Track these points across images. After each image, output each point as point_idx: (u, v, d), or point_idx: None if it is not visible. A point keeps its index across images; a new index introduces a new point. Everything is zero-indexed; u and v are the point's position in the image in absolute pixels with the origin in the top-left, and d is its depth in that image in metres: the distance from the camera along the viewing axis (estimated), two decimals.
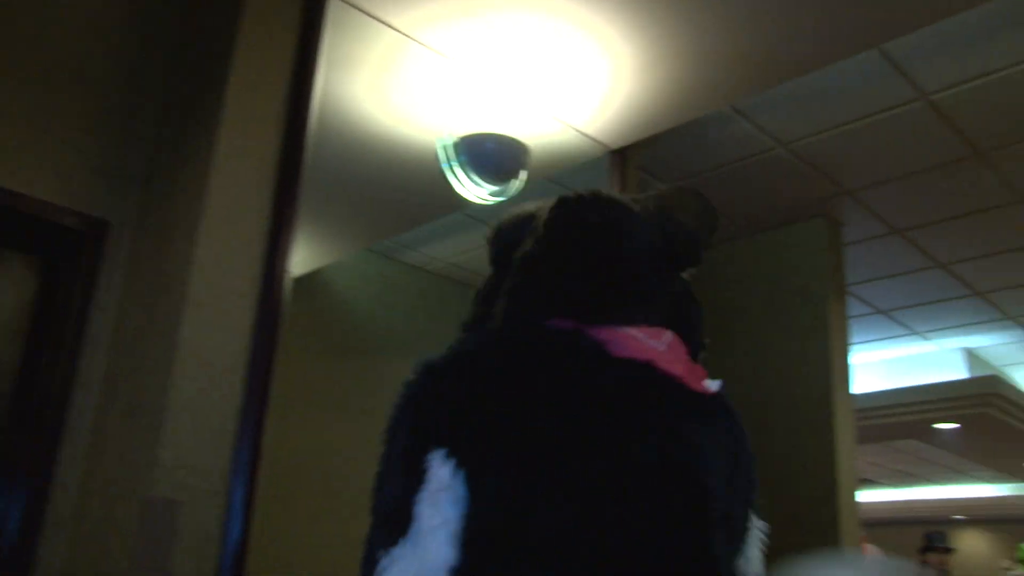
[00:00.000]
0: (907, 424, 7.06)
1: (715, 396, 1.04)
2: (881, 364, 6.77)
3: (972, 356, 6.73)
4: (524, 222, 1.15)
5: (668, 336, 1.03)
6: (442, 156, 2.59)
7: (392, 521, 0.94)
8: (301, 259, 3.36)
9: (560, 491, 0.88)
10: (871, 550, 4.76)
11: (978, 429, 6.94)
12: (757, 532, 1.08)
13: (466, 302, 4.26)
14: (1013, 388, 6.73)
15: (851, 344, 4.48)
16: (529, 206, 1.19)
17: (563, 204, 1.12)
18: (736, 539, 1.03)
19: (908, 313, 5.94)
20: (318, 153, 2.20)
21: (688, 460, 0.94)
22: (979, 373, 6.66)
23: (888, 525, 11.06)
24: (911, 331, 6.28)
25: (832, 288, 4.26)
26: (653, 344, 1.01)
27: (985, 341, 6.56)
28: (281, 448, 2.66)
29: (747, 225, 4.52)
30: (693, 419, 0.98)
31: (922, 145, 3.76)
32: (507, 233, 1.17)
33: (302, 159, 2.10)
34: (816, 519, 3.86)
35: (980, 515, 12.61)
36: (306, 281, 3.68)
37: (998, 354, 6.83)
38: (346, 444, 3.97)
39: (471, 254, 4.34)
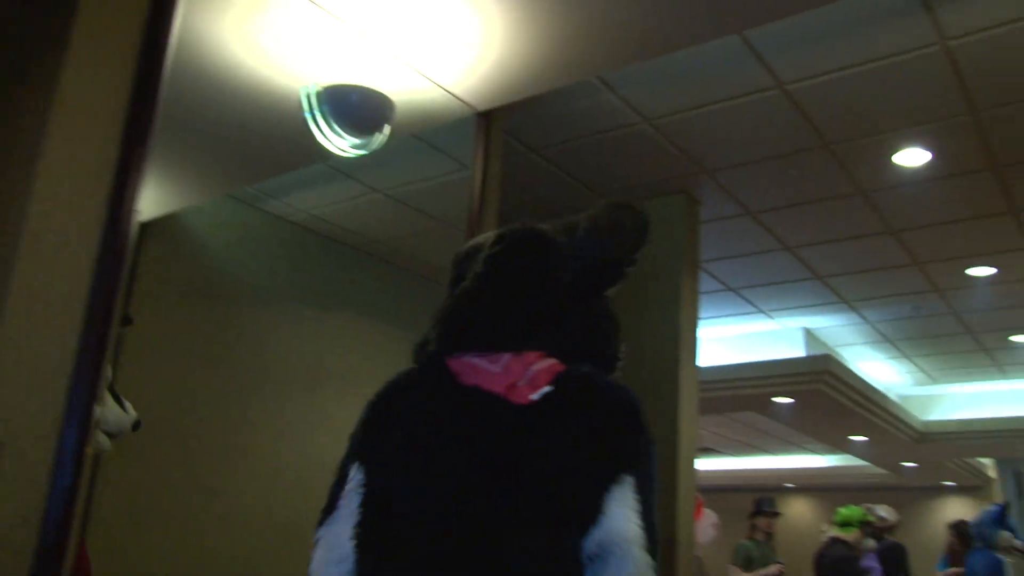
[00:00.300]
0: (747, 397, 7.45)
1: (537, 402, 1.27)
2: (727, 339, 7.11)
3: (810, 335, 7.15)
4: (473, 253, 1.44)
5: (505, 359, 1.31)
6: (305, 105, 2.54)
7: (327, 510, 1.38)
8: (155, 200, 3.24)
9: (409, 484, 1.30)
10: (707, 514, 5.00)
11: (811, 404, 7.39)
12: (622, 510, 1.22)
13: (328, 254, 4.24)
14: (844, 367, 7.19)
15: (700, 318, 4.68)
16: (482, 238, 1.48)
17: (498, 244, 1.41)
18: (567, 516, 1.22)
19: (755, 292, 6.25)
20: (176, 91, 2.12)
21: (483, 456, 1.26)
22: (815, 352, 7.09)
23: (726, 491, 11.68)
24: (757, 309, 6.62)
25: (687, 263, 4.43)
26: (488, 367, 1.31)
27: (822, 322, 6.99)
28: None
29: (609, 196, 4.63)
30: (502, 425, 1.27)
31: (776, 132, 3.94)
32: (461, 263, 1.47)
33: (157, 94, 2.02)
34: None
35: (807, 484, 13.48)
36: (162, 224, 3.55)
37: (833, 335, 7.29)
38: (204, 392, 3.89)
39: (334, 207, 4.27)
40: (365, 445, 1.38)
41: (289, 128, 2.66)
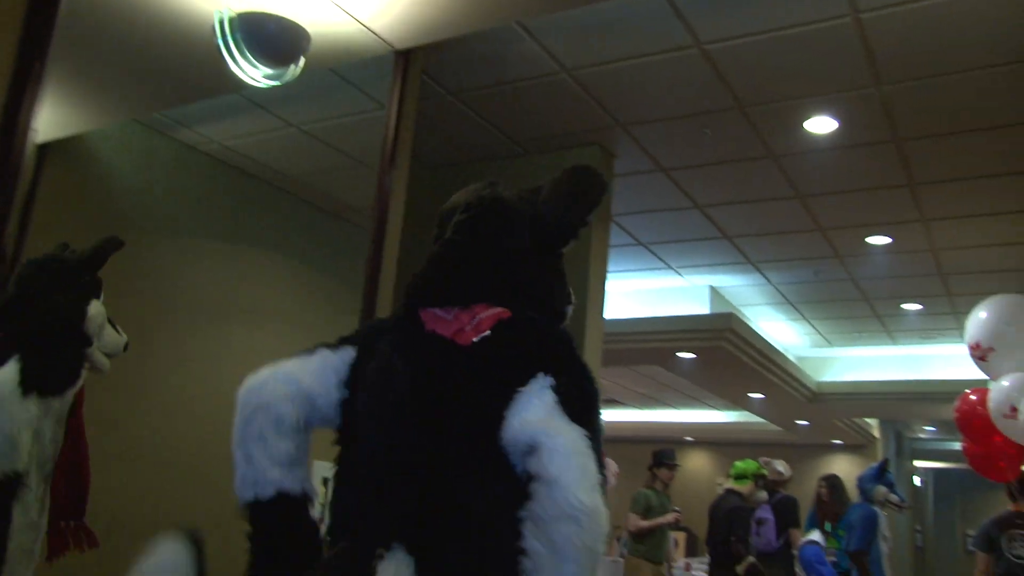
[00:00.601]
0: (652, 351, 7.64)
1: (476, 344, 1.43)
2: (634, 293, 7.26)
3: (715, 293, 7.36)
4: (448, 216, 1.59)
5: (455, 311, 1.49)
6: (218, 31, 2.47)
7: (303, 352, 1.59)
8: (56, 120, 3.12)
9: (366, 412, 1.46)
10: (607, 463, 5.15)
11: (713, 360, 7.64)
12: (538, 400, 1.35)
13: (239, 188, 4.15)
14: (746, 326, 7.44)
15: (609, 271, 4.77)
16: (457, 198, 1.61)
17: (465, 212, 1.56)
18: (492, 422, 1.35)
19: (665, 248, 6.39)
20: (81, 4, 2.04)
21: (429, 384, 1.43)
22: (720, 310, 7.30)
23: (628, 442, 12.00)
24: (666, 265, 6.77)
25: (599, 215, 4.48)
26: (443, 315, 1.49)
27: (728, 281, 7.19)
28: None
29: (526, 145, 4.65)
30: (446, 363, 1.44)
31: (693, 91, 4.00)
32: (441, 222, 1.60)
33: (57, 5, 1.94)
34: None
35: (707, 438, 13.96)
36: (64, 147, 3.41)
37: (737, 294, 7.52)
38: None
39: (247, 139, 4.19)
40: (357, 344, 1.56)
41: (201, 54, 2.58)
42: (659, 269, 6.89)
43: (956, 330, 7.73)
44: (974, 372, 4.01)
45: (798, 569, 6.87)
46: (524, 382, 1.35)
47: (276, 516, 1.43)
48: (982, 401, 4.00)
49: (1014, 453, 4.34)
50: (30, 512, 2.00)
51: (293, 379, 1.49)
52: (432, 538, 1.32)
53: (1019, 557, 4.92)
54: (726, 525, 6.11)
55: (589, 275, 4.38)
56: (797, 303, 7.78)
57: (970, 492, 18.14)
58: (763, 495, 6.30)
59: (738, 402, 10.12)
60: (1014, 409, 3.52)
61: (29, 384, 1.99)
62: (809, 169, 4.83)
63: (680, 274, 7.00)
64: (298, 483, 1.45)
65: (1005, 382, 3.66)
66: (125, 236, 3.92)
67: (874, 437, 12.84)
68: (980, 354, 3.78)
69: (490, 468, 1.33)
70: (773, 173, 4.87)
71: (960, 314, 6.58)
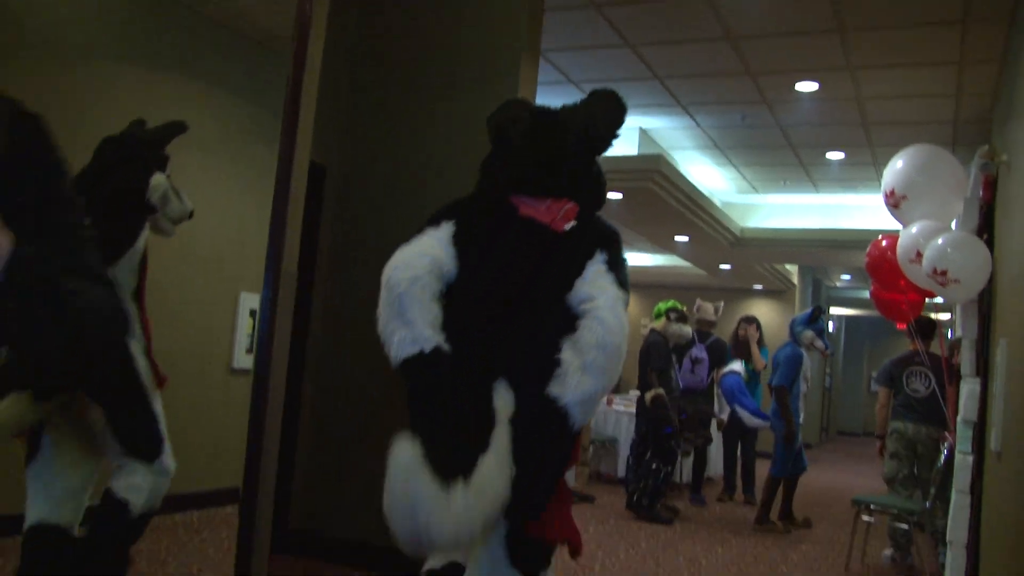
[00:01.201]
0: None
1: (567, 231, 2.00)
2: None
3: (644, 135, 7.38)
4: (508, 121, 2.15)
5: (548, 202, 2.04)
6: None
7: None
8: None
9: (475, 275, 1.95)
10: None
11: (640, 201, 7.72)
12: (596, 267, 1.97)
13: (155, 11, 3.99)
14: (673, 168, 7.51)
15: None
16: (518, 110, 2.20)
17: (543, 118, 2.15)
18: (569, 282, 1.96)
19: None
20: None
21: (530, 257, 1.97)
22: (648, 151, 7.35)
23: None
24: None
25: (527, 49, 4.39)
26: (536, 204, 2.04)
27: (657, 123, 7.21)
28: None
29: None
30: (543, 242, 1.98)
31: None
32: (499, 123, 2.18)
33: None
34: None
35: (633, 281, 14.27)
36: None
37: (667, 136, 7.56)
38: None
39: None
40: (454, 219, 2.02)
41: None
42: None
43: (876, 180, 7.94)
44: (890, 222, 4.15)
45: (717, 399, 7.34)
46: (591, 257, 1.94)
47: (433, 367, 1.80)
48: (892, 247, 4.15)
49: (916, 298, 4.58)
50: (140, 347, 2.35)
51: (427, 255, 1.90)
52: (523, 369, 1.84)
53: (915, 391, 5.31)
54: (644, 359, 6.42)
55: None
56: (725, 148, 7.86)
57: (876, 338, 19.19)
58: (680, 328, 6.57)
59: (665, 245, 10.33)
60: (919, 254, 3.67)
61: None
62: (743, 9, 4.79)
63: None
64: (443, 342, 1.82)
65: (913, 228, 3.79)
66: (40, 61, 3.77)
67: (793, 284, 13.33)
68: (894, 202, 3.89)
69: (560, 317, 1.87)
70: (705, 12, 4.82)
71: (880, 164, 6.75)
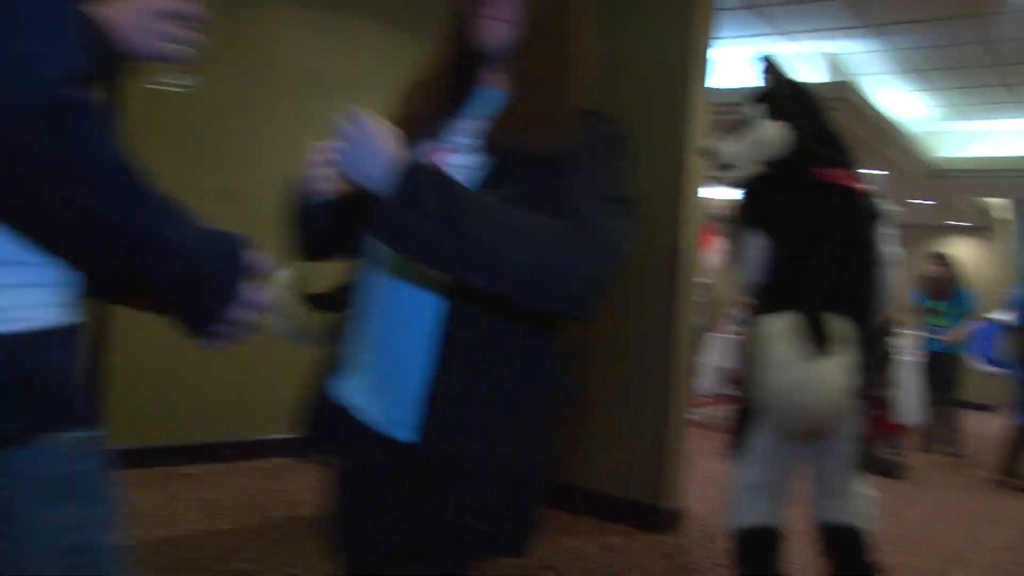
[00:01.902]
0: None
1: (863, 190, 2.60)
2: (745, 61, 6.88)
3: (832, 62, 6.92)
4: (798, 98, 2.83)
5: (843, 171, 2.59)
6: None
7: None
8: None
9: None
10: (717, 242, 5.08)
11: None
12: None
13: None
14: (861, 97, 7.02)
15: (715, 37, 4.46)
16: (799, 90, 2.91)
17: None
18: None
19: (776, 11, 5.97)
20: None
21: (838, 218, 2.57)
22: (835, 79, 6.89)
23: None
24: (778, 30, 6.35)
25: None
26: (840, 172, 2.58)
27: (845, 48, 6.73)
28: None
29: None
30: (852, 202, 2.57)
31: None
32: (784, 101, 2.81)
33: None
34: (662, 214, 4.01)
35: None
36: None
37: (854, 62, 7.05)
38: (211, 97, 3.97)
39: None
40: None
41: None
42: (770, 35, 6.47)
43: None
44: None
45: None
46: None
47: None
48: None
49: None
50: None
51: None
52: None
53: None
54: None
55: (691, 40, 4.10)
56: (921, 71, 7.25)
57: None
58: None
59: None
60: None
61: None
62: None
63: (793, 39, 6.57)
64: None
65: None
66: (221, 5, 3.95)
67: (994, 219, 12.20)
68: None
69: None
70: None
71: None
